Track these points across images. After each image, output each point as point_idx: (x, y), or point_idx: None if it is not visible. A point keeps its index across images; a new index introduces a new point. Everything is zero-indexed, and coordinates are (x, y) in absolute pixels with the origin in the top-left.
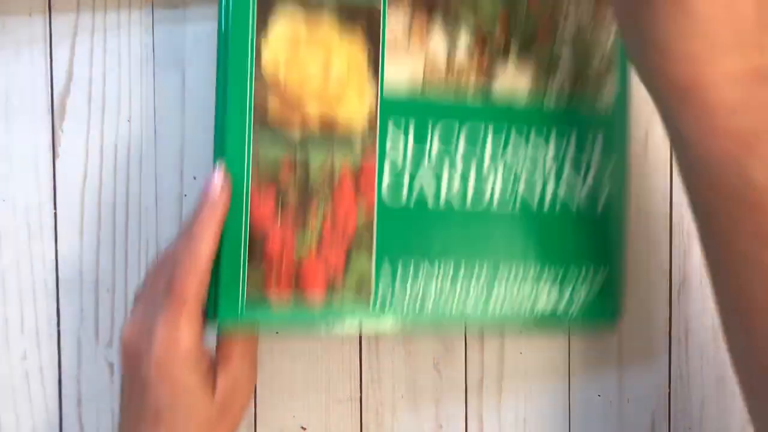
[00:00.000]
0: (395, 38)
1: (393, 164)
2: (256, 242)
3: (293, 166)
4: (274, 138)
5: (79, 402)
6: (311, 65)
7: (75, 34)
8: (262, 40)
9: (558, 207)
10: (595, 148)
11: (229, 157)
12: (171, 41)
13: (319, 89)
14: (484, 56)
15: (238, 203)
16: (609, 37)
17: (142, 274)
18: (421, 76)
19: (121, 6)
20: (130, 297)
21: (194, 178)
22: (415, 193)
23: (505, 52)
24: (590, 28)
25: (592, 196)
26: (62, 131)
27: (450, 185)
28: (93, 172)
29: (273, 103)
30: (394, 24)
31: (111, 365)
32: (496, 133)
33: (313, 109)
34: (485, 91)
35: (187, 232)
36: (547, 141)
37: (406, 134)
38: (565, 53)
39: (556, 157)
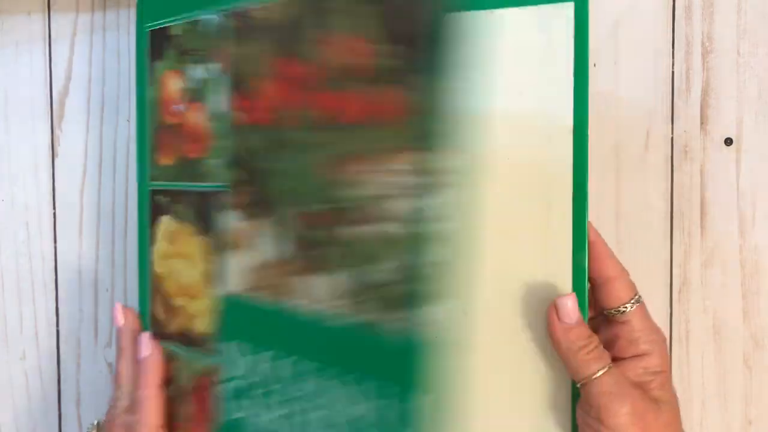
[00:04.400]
0: (233, 241)
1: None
2: None
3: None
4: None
5: (78, 402)
6: (180, 266)
7: (74, 33)
8: (153, 248)
9: None
10: None
11: None
12: None
13: (183, 288)
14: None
15: None
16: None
17: None
18: (254, 277)
19: (120, 6)
20: (129, 297)
21: None
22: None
23: (302, 271)
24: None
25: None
26: (61, 131)
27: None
28: (92, 171)
29: (157, 307)
30: (231, 225)
31: (110, 365)
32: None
33: (179, 306)
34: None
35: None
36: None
37: (244, 351)
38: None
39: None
